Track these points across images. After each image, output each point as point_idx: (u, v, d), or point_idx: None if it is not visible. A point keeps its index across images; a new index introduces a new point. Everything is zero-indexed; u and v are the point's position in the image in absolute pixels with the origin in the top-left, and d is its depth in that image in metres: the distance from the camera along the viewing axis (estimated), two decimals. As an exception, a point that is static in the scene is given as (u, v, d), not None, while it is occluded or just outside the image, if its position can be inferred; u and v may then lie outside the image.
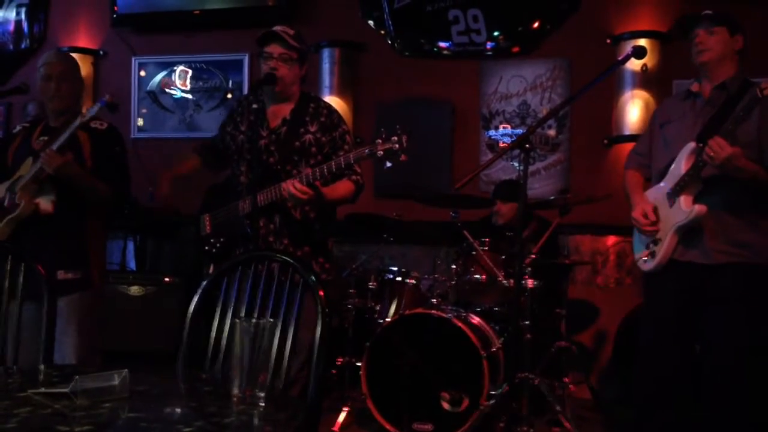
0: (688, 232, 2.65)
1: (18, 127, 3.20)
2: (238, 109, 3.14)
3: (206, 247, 3.05)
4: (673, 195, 2.68)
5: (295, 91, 3.00)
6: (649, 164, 2.92)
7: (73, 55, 4.23)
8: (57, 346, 2.88)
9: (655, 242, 2.75)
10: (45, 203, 2.91)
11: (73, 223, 2.98)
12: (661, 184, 2.77)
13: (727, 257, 2.61)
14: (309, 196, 2.71)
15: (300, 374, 2.83)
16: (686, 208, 2.61)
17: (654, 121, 2.94)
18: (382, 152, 2.59)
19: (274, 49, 2.91)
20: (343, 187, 2.91)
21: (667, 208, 2.71)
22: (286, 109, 2.99)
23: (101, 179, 2.99)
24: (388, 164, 2.61)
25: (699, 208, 2.59)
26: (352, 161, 2.72)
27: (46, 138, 3.02)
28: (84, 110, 2.98)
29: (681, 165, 2.66)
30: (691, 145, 2.64)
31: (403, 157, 2.60)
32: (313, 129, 2.95)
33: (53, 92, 3.03)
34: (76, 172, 2.92)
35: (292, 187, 2.69)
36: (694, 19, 2.68)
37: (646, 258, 2.80)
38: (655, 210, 2.77)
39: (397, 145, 2.57)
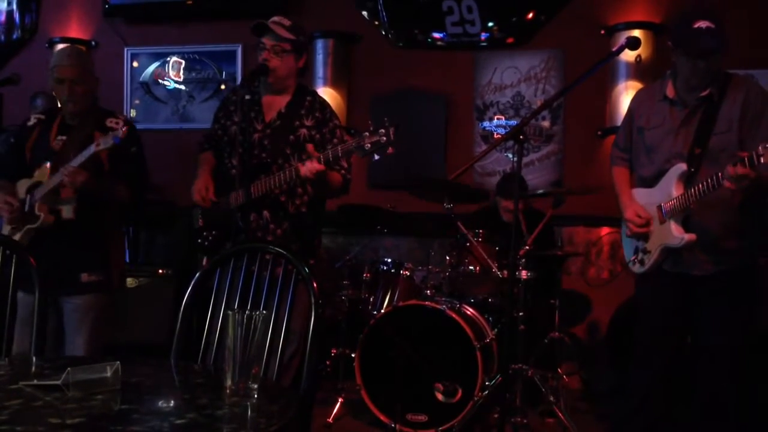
0: (676, 250, 2.66)
1: (33, 119, 3.10)
2: (232, 98, 3.11)
3: (198, 240, 3.05)
4: (664, 213, 2.67)
5: (291, 84, 2.99)
6: (630, 158, 2.90)
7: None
8: (67, 344, 2.92)
9: (645, 251, 2.76)
10: (67, 211, 2.90)
11: (93, 227, 2.97)
12: (651, 191, 2.75)
13: (716, 266, 2.63)
14: (321, 171, 2.69)
15: (291, 362, 2.83)
16: (678, 234, 2.62)
17: (631, 117, 2.87)
18: (369, 145, 2.56)
19: (267, 40, 2.90)
20: (334, 177, 2.90)
21: (657, 222, 2.71)
22: (281, 102, 2.97)
23: (119, 180, 2.97)
24: (376, 157, 2.58)
25: (689, 237, 2.59)
26: (340, 154, 2.69)
27: (64, 138, 2.98)
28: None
29: (672, 186, 2.64)
30: (682, 167, 2.62)
31: (390, 150, 2.56)
32: (308, 123, 2.93)
33: (67, 96, 2.97)
34: (98, 185, 2.89)
35: (309, 165, 2.67)
36: (713, 48, 2.54)
37: (635, 262, 2.82)
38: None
39: (384, 138, 2.53)
